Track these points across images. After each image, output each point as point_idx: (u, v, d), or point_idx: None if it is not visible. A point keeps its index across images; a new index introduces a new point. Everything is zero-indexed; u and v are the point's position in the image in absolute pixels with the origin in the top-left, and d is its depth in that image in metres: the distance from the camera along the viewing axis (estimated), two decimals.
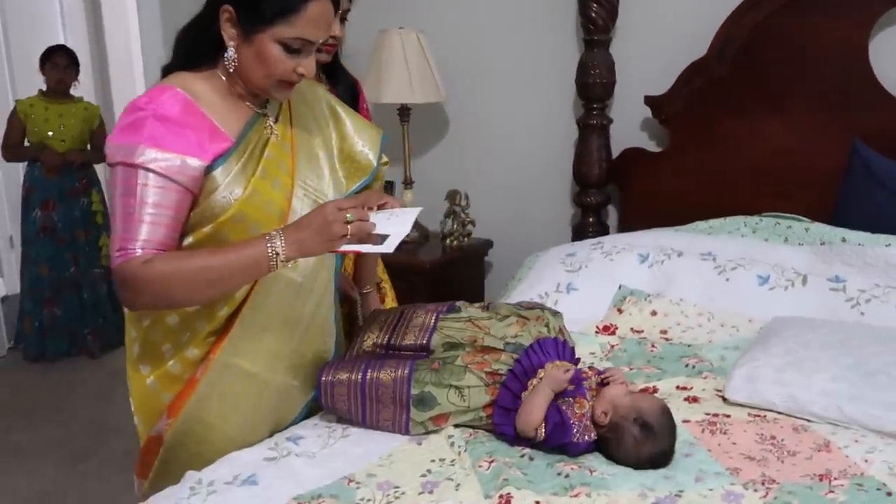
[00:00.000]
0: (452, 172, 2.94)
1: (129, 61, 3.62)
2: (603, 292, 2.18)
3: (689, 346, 1.95)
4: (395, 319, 1.66)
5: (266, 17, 1.32)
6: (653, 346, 1.96)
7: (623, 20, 2.56)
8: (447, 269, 2.75)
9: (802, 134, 2.31)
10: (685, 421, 1.56)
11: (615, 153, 2.65)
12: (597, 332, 2.05)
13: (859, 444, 1.46)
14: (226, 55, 1.38)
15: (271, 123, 1.47)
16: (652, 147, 2.63)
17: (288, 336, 1.51)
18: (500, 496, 1.27)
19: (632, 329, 2.06)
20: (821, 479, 1.34)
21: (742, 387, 1.64)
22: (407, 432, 1.51)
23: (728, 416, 1.59)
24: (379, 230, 1.34)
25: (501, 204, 2.93)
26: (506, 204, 2.92)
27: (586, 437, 1.44)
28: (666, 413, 1.45)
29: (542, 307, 1.74)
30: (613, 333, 2.05)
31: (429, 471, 1.38)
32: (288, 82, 1.39)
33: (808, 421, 1.56)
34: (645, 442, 1.40)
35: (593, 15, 2.50)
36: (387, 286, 2.17)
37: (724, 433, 1.52)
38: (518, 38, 2.77)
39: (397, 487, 1.33)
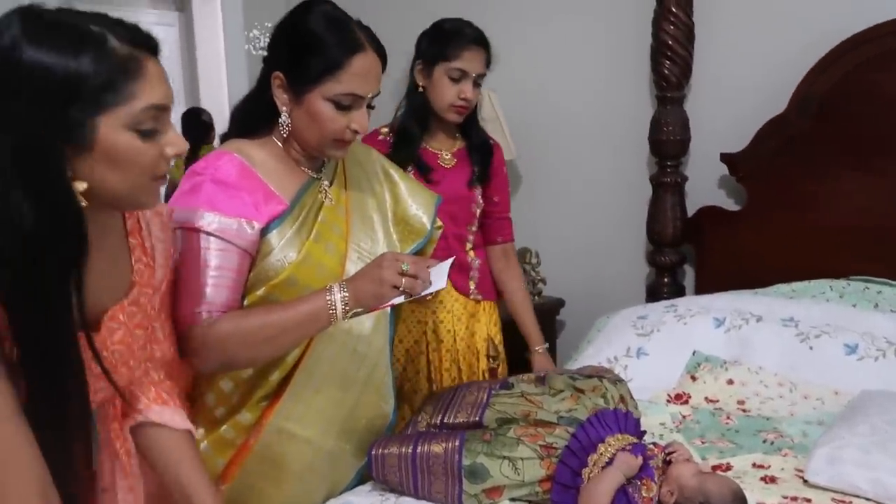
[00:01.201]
0: (524, 230, 2.86)
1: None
2: (675, 358, 2.09)
3: (767, 419, 1.83)
4: (449, 399, 1.63)
5: (313, 76, 1.35)
6: (728, 417, 1.85)
7: (697, 76, 2.51)
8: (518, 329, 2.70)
9: (891, 193, 2.17)
10: (760, 503, 1.45)
11: (691, 211, 2.56)
12: (668, 402, 1.96)
13: None
14: (280, 120, 1.41)
15: (326, 187, 1.48)
16: (729, 205, 2.53)
17: (340, 400, 1.49)
18: None
19: (706, 398, 1.95)
20: None
21: (824, 468, 1.51)
22: None
23: (809, 500, 1.47)
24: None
25: (574, 263, 2.87)
26: (578, 263, 2.87)
27: None
28: (737, 498, 1.35)
29: (602, 376, 1.67)
30: (686, 403, 1.95)
31: None
32: (342, 140, 1.40)
33: None
34: None
35: (666, 72, 2.45)
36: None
37: None
38: (590, 96, 2.75)
39: None
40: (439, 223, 1.69)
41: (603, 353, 2.16)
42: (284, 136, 1.42)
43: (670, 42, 2.42)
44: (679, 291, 2.60)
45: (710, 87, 2.51)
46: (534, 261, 2.80)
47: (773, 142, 2.34)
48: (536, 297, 2.80)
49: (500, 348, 2.17)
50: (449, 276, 1.99)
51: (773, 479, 1.56)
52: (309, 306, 1.33)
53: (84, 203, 0.96)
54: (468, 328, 2.09)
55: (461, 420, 1.55)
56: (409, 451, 1.46)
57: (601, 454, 1.45)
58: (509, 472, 1.44)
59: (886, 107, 2.16)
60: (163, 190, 1.12)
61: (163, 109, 1.00)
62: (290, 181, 1.44)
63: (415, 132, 2.01)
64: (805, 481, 1.53)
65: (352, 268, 1.46)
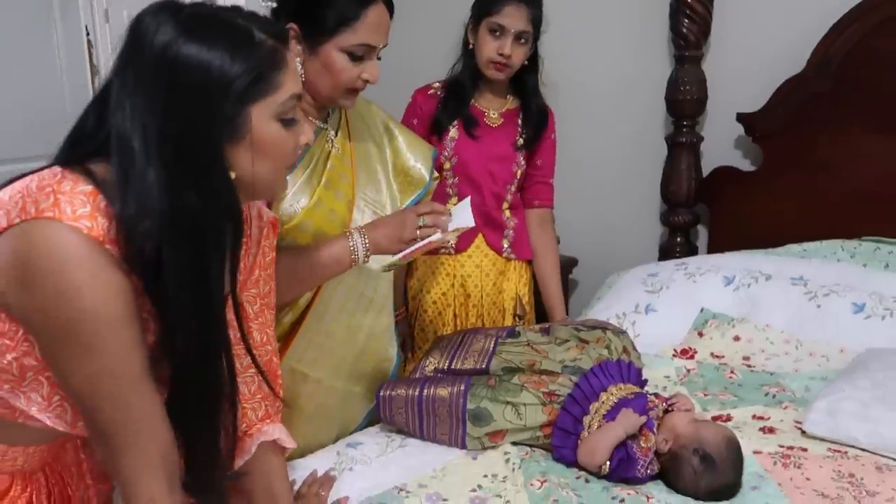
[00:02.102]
0: None
1: None
2: (684, 315, 2.11)
3: (771, 374, 1.86)
4: (456, 344, 1.67)
5: (329, 27, 1.37)
6: (732, 372, 1.88)
7: (716, 35, 2.48)
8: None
9: None
10: (756, 452, 1.49)
11: (706, 172, 2.56)
12: (674, 356, 1.99)
13: None
14: None
15: (332, 137, 1.52)
16: (745, 166, 2.53)
17: (349, 343, 1.55)
18: None
19: (712, 354, 1.98)
20: None
21: (822, 420, 1.54)
22: (464, 447, 1.51)
23: (805, 449, 1.50)
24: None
25: (588, 221, 2.88)
26: (592, 222, 2.88)
27: (649, 471, 1.40)
28: (731, 445, 1.38)
29: (605, 328, 1.71)
30: (692, 357, 1.98)
31: (479, 486, 1.38)
32: (354, 89, 1.44)
33: (894, 460, 1.45)
34: (705, 474, 1.35)
35: (684, 31, 2.44)
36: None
37: (798, 467, 1.43)
38: (608, 55, 2.74)
39: (445, 500, 1.33)
40: (436, 174, 1.74)
41: (612, 308, 2.19)
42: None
43: (689, 0, 2.40)
44: (692, 251, 2.61)
45: (729, 46, 2.49)
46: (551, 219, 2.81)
47: (790, 102, 2.33)
48: None
49: (528, 308, 2.21)
50: (483, 233, 2.06)
51: (771, 430, 1.60)
52: (333, 250, 1.41)
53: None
54: (496, 285, 2.12)
55: (468, 366, 1.60)
56: (416, 393, 1.51)
57: (603, 402, 1.49)
58: (512, 416, 1.49)
59: None
60: None
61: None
62: None
63: (464, 89, 2.04)
64: (803, 432, 1.57)
65: (358, 215, 1.52)
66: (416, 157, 1.68)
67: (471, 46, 2.01)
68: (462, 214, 1.45)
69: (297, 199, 1.43)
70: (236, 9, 1.02)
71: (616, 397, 1.49)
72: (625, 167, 2.78)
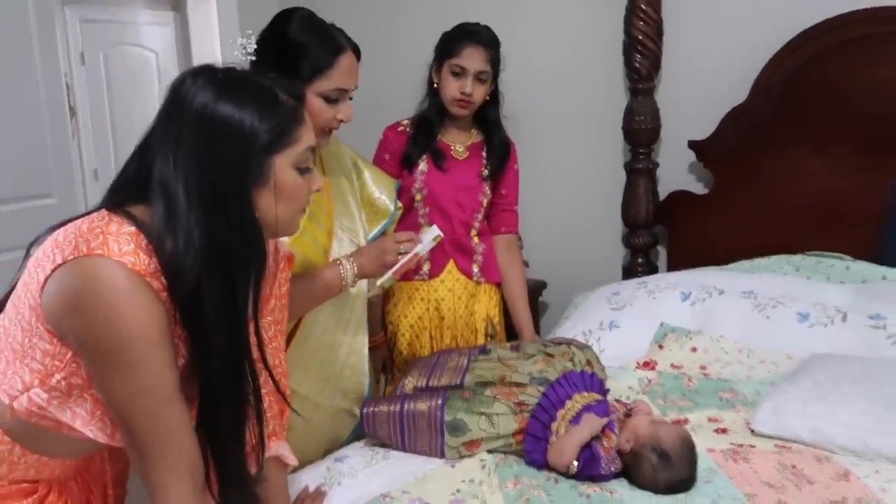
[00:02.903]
0: None
1: None
2: (645, 329, 2.25)
3: (725, 381, 2.01)
4: (433, 364, 1.81)
5: (305, 75, 1.53)
6: (689, 380, 2.02)
7: (667, 68, 2.68)
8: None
9: (844, 174, 2.35)
10: (710, 450, 1.63)
11: (663, 196, 2.73)
12: (637, 368, 2.13)
13: (880, 474, 1.49)
14: None
15: None
16: (698, 189, 2.71)
17: (332, 360, 1.69)
18: None
19: (672, 365, 2.12)
20: None
21: (768, 419, 1.69)
22: (443, 456, 1.63)
23: (753, 446, 1.64)
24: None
25: (555, 246, 3.04)
26: (559, 246, 3.04)
27: (612, 468, 1.53)
28: (686, 443, 1.52)
29: (570, 343, 1.85)
30: (653, 369, 2.12)
31: (458, 490, 1.50)
32: (330, 129, 1.61)
33: (833, 453, 1.60)
34: (662, 469, 1.48)
35: (637, 65, 2.62)
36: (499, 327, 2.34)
37: (747, 461, 1.57)
38: (568, 88, 2.92)
39: (428, 503, 1.45)
40: (399, 204, 1.93)
41: (578, 326, 2.32)
42: None
43: (641, 37, 2.59)
44: (653, 270, 2.78)
45: (679, 78, 2.68)
46: (517, 244, 2.96)
47: (735, 129, 2.51)
48: None
49: (499, 328, 2.34)
50: (454, 258, 2.21)
51: (724, 431, 1.74)
52: (325, 277, 1.58)
53: None
54: (468, 307, 2.26)
55: (444, 383, 1.72)
56: (397, 409, 1.64)
57: (568, 409, 1.62)
58: (486, 426, 1.61)
59: (838, 95, 2.34)
60: None
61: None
62: None
63: (430, 125, 2.19)
64: (753, 431, 1.71)
65: (336, 244, 1.68)
66: (380, 189, 1.85)
67: (435, 85, 2.17)
68: (431, 233, 1.65)
69: None
70: (262, 74, 1.19)
71: (580, 404, 1.63)
72: (588, 193, 2.94)
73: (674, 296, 2.32)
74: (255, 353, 1.22)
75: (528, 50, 2.94)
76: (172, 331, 1.08)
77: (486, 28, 2.17)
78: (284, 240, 1.56)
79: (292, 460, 1.35)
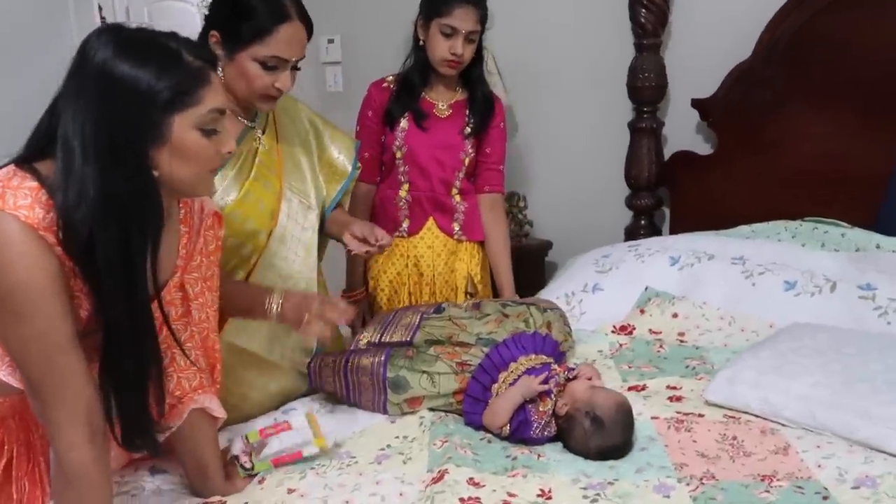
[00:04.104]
0: (515, 175, 3.02)
1: None
2: (629, 293, 2.21)
3: (697, 348, 1.96)
4: (388, 320, 1.82)
5: (244, 38, 1.54)
6: (661, 346, 1.98)
7: (676, 23, 2.57)
8: None
9: (848, 136, 2.23)
10: (654, 417, 1.60)
11: (669, 156, 2.65)
12: (613, 332, 2.09)
13: (821, 449, 1.45)
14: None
15: (259, 135, 1.68)
16: (705, 150, 2.61)
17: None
18: (439, 472, 1.39)
19: (650, 330, 2.08)
20: (762, 480, 1.36)
21: (721, 388, 1.65)
22: (385, 412, 1.65)
23: (702, 415, 1.61)
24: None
25: (560, 206, 2.99)
26: (564, 206, 2.99)
27: (546, 433, 1.53)
28: (621, 409, 1.50)
29: (533, 304, 1.83)
30: (630, 334, 2.08)
31: (388, 445, 1.52)
32: (269, 96, 1.59)
33: (782, 425, 1.55)
34: (594, 434, 1.46)
35: (642, 20, 2.52)
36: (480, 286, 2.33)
37: (689, 431, 1.54)
38: (574, 43, 2.83)
39: (354, 457, 1.48)
40: (359, 165, 1.91)
41: (562, 288, 2.30)
42: None
43: None
44: (656, 233, 2.71)
45: (687, 33, 2.57)
46: (521, 204, 2.94)
47: (739, 87, 2.40)
48: (524, 239, 2.94)
49: (481, 287, 2.34)
50: (433, 217, 2.22)
51: (678, 399, 1.70)
52: (256, 298, 1.53)
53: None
54: (447, 264, 2.26)
55: (396, 339, 1.74)
56: (342, 362, 1.67)
57: (511, 372, 1.62)
58: (427, 384, 1.63)
59: (842, 53, 2.20)
60: None
61: (222, 112, 1.19)
62: None
63: (415, 83, 2.18)
64: (707, 401, 1.67)
65: (285, 205, 1.68)
66: (339, 149, 1.84)
67: (421, 42, 2.14)
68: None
69: (226, 194, 1.60)
70: (173, 34, 1.20)
71: (525, 367, 1.62)
72: (592, 153, 2.88)
73: (662, 260, 2.27)
74: (177, 310, 1.26)
75: (530, 4, 2.87)
76: (70, 283, 1.12)
77: None
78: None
79: (220, 413, 1.39)
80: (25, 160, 1.14)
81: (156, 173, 1.15)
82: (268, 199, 1.66)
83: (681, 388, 1.76)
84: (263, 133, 1.70)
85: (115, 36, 1.13)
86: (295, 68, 1.60)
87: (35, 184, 1.11)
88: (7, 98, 2.69)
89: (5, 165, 1.16)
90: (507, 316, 1.77)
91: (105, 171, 1.10)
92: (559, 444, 1.53)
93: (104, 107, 1.11)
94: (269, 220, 1.66)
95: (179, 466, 1.45)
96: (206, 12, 1.64)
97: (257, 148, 1.67)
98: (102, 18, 5.12)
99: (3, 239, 1.06)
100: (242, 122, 1.65)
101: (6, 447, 1.32)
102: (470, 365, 1.63)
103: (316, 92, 3.45)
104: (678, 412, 1.62)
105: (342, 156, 1.84)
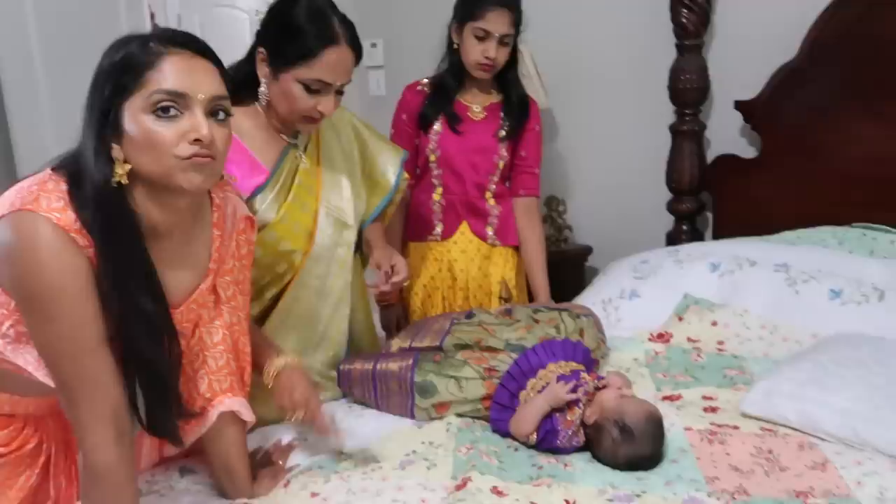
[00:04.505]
0: (554, 179, 2.99)
1: None
2: (667, 300, 2.16)
3: (736, 357, 1.91)
4: (421, 326, 1.82)
5: (289, 59, 1.52)
6: (698, 355, 1.93)
7: (718, 23, 2.51)
8: None
9: None
10: (687, 428, 1.56)
11: (712, 160, 2.59)
12: (649, 339, 2.05)
13: (861, 465, 1.38)
14: (259, 90, 1.60)
15: (301, 154, 1.68)
16: (749, 153, 2.54)
17: (310, 334, 1.72)
18: (462, 479, 1.37)
19: (688, 338, 2.03)
20: (797, 496, 1.31)
21: (758, 400, 1.59)
22: (412, 417, 1.64)
23: (737, 427, 1.56)
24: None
25: (600, 211, 2.95)
26: (604, 211, 2.94)
27: (574, 442, 1.50)
28: (651, 419, 1.46)
29: (562, 310, 1.80)
30: (667, 342, 2.03)
31: (414, 451, 1.51)
32: (310, 118, 1.58)
33: (821, 440, 1.49)
34: (622, 444, 1.43)
35: (683, 20, 2.47)
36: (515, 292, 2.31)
37: (722, 443, 1.50)
38: (614, 45, 2.78)
39: (378, 462, 1.47)
40: (406, 176, 1.88)
41: (599, 294, 2.26)
42: (263, 104, 1.61)
43: None
44: (698, 238, 2.64)
45: (730, 33, 2.51)
46: (560, 208, 2.90)
47: (785, 88, 2.33)
48: (563, 244, 2.91)
49: (515, 291, 2.31)
50: (467, 221, 2.20)
51: (713, 410, 1.65)
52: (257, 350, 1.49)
53: (125, 181, 1.13)
54: (481, 269, 2.25)
55: (426, 344, 1.73)
56: (370, 367, 1.66)
57: (540, 379, 1.59)
58: (454, 389, 1.61)
59: (891, 52, 2.11)
60: None
61: (179, 96, 1.12)
62: (270, 148, 1.64)
63: (449, 86, 2.17)
64: (743, 413, 1.62)
65: (322, 221, 1.68)
66: (383, 161, 1.82)
67: (455, 46, 2.13)
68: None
69: (266, 213, 1.60)
70: (166, 29, 1.21)
71: (554, 374, 1.59)
72: (633, 157, 2.83)
73: (702, 266, 2.21)
74: (209, 314, 1.29)
75: (569, 4, 2.83)
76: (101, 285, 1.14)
77: None
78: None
79: (249, 417, 1.39)
80: (61, 165, 1.16)
81: (128, 167, 1.12)
82: (304, 220, 1.66)
83: (717, 398, 1.71)
84: (305, 151, 1.69)
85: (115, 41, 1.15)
86: (339, 92, 1.58)
87: (68, 188, 1.13)
88: (61, 106, 2.77)
89: (42, 170, 1.18)
90: (537, 322, 1.74)
91: (94, 176, 1.12)
92: (587, 454, 1.50)
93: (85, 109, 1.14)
94: (306, 242, 1.66)
95: (208, 467, 1.47)
96: (258, 27, 1.62)
97: (297, 166, 1.66)
98: (154, 26, 5.26)
99: (36, 241, 1.08)
100: (284, 139, 1.65)
101: (44, 445, 1.36)
102: (497, 371, 1.61)
103: (359, 96, 3.48)
104: (712, 423, 1.57)
105: (386, 167, 1.82)
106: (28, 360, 1.18)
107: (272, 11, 1.60)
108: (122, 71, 1.12)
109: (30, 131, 2.85)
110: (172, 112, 1.12)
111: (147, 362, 1.19)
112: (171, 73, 1.13)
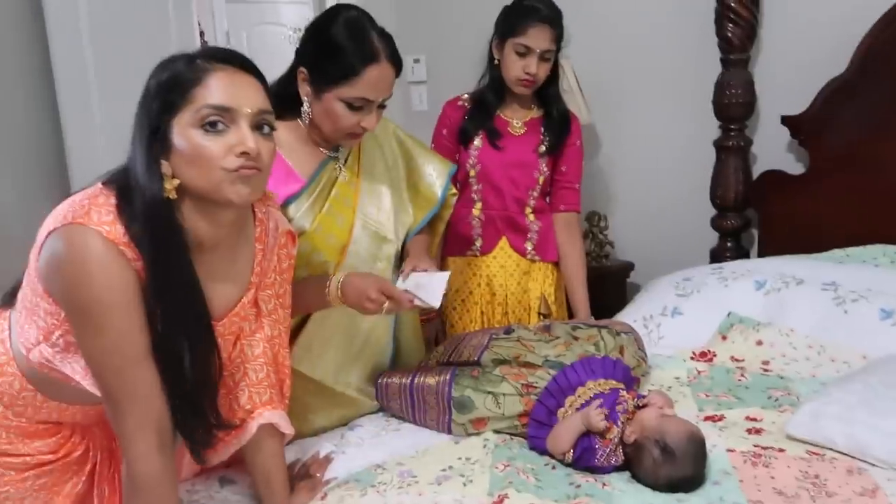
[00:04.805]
0: (595, 194, 2.97)
1: None
2: (710, 318, 2.12)
3: (782, 378, 1.86)
4: (459, 341, 1.81)
5: (331, 78, 1.52)
6: (742, 375, 1.89)
7: (765, 38, 2.47)
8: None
9: None
10: (730, 450, 1.52)
11: (757, 175, 2.54)
12: (691, 358, 2.01)
13: None
14: (302, 109, 1.61)
15: (341, 166, 1.68)
16: (796, 169, 2.49)
17: (347, 348, 1.72)
18: (499, 496, 1.36)
19: (732, 357, 1.99)
20: None
21: (805, 421, 1.55)
22: (449, 432, 1.64)
23: (782, 450, 1.52)
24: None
25: (643, 227, 2.91)
26: (647, 227, 2.91)
27: (612, 461, 1.47)
28: (693, 439, 1.43)
29: (602, 327, 1.78)
30: (710, 361, 2.00)
31: (450, 466, 1.50)
32: (353, 134, 1.59)
33: (871, 465, 1.45)
34: (663, 465, 1.40)
35: (729, 34, 2.44)
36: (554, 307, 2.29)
37: (766, 466, 1.46)
38: (658, 59, 2.76)
39: (415, 476, 1.46)
40: (453, 190, 1.86)
41: (640, 311, 2.23)
42: (306, 122, 1.62)
43: (733, 4, 2.40)
44: (743, 256, 2.59)
45: (778, 47, 2.47)
46: (601, 224, 2.87)
47: (834, 102, 2.28)
48: (604, 260, 2.88)
49: (555, 308, 2.30)
50: (506, 236, 2.17)
51: (758, 431, 1.61)
52: (313, 290, 1.55)
53: (173, 196, 1.16)
54: (520, 284, 2.24)
55: (464, 359, 1.72)
56: (408, 381, 1.66)
57: (578, 396, 1.57)
58: (492, 405, 1.60)
59: None
60: None
61: (226, 110, 1.15)
62: (309, 160, 1.64)
63: (489, 101, 2.18)
64: (789, 435, 1.58)
65: (358, 233, 1.67)
66: (430, 173, 1.81)
67: (496, 61, 2.13)
68: (433, 289, 1.53)
69: (300, 224, 1.60)
70: (209, 47, 1.24)
71: (592, 391, 1.57)
72: (676, 172, 2.79)
73: (747, 284, 2.17)
74: (250, 326, 1.31)
75: (612, 18, 2.82)
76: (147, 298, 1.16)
77: (550, 2, 2.10)
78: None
79: (288, 430, 1.40)
80: (112, 180, 1.19)
81: (176, 182, 1.15)
82: (339, 233, 1.66)
83: (761, 419, 1.67)
84: (345, 162, 1.69)
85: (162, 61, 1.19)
86: (381, 106, 1.58)
87: (118, 202, 1.15)
88: (114, 121, 2.85)
89: (94, 184, 1.21)
90: (576, 339, 1.73)
91: (144, 191, 1.14)
92: (626, 473, 1.48)
93: (136, 127, 1.17)
94: (339, 255, 1.66)
95: (247, 478, 1.48)
96: (297, 46, 1.63)
97: (336, 178, 1.66)
98: (204, 43, 5.39)
99: (85, 253, 1.11)
100: (324, 152, 1.66)
101: (91, 453, 1.39)
102: (536, 387, 1.59)
103: (401, 111, 3.50)
104: (756, 445, 1.53)
105: (433, 179, 1.80)
106: (76, 370, 1.20)
107: (310, 30, 1.61)
108: (170, 88, 1.15)
109: (83, 146, 2.93)
110: (220, 126, 1.15)
111: (188, 374, 1.20)
112: (218, 88, 1.15)
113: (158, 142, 1.15)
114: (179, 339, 1.18)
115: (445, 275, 1.56)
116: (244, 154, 1.15)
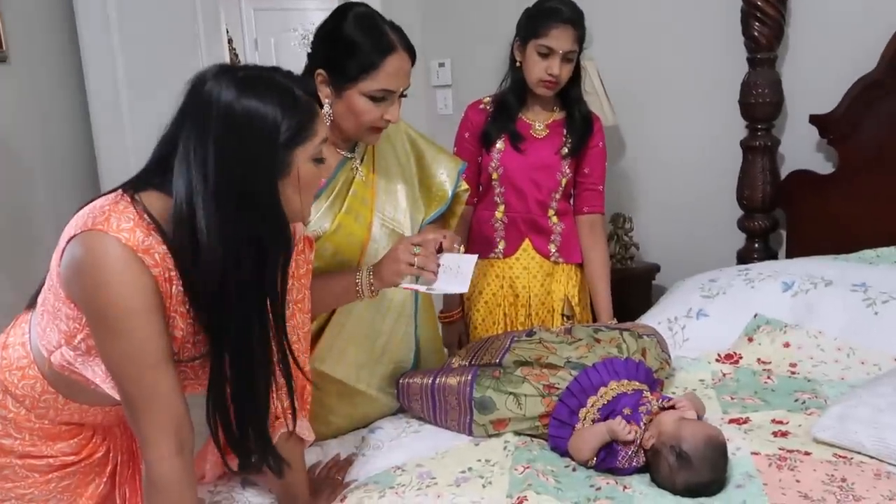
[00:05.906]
0: (621, 195, 2.95)
1: None
2: (736, 320, 2.10)
3: (809, 381, 1.83)
4: (482, 343, 1.81)
5: (351, 75, 1.53)
6: (768, 377, 1.86)
7: (792, 37, 2.43)
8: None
9: None
10: (754, 453, 1.50)
11: (785, 176, 2.50)
12: (717, 360, 1.99)
13: None
14: (323, 111, 1.61)
15: (357, 165, 1.68)
16: (825, 169, 2.45)
17: (369, 348, 1.72)
18: (518, 498, 1.35)
19: (758, 360, 1.96)
20: None
21: (831, 425, 1.52)
22: (470, 433, 1.64)
23: (809, 453, 1.49)
24: (441, 280, 1.50)
25: (668, 228, 2.89)
26: (673, 228, 2.88)
27: (633, 463, 1.46)
28: (711, 443, 1.41)
29: (624, 329, 1.76)
30: (736, 363, 1.97)
31: (470, 468, 1.50)
32: (377, 128, 1.60)
33: None
34: (680, 471, 1.38)
35: (755, 34, 2.40)
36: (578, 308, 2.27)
37: (792, 470, 1.43)
38: (683, 59, 2.73)
39: (434, 478, 1.46)
40: (464, 186, 1.86)
41: (665, 313, 2.21)
42: (327, 123, 1.62)
43: (760, 3, 2.37)
44: (771, 257, 2.56)
45: (806, 45, 2.43)
46: (626, 226, 2.85)
47: (863, 101, 2.24)
48: (629, 262, 2.86)
49: (578, 309, 2.28)
50: (529, 238, 2.16)
51: (784, 434, 1.59)
52: (342, 284, 1.56)
53: None
54: (544, 286, 2.23)
55: (486, 361, 1.72)
56: (429, 381, 1.67)
57: (601, 396, 1.56)
58: (513, 406, 1.60)
59: None
60: None
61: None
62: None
63: (511, 104, 2.17)
64: (815, 438, 1.55)
65: (376, 232, 1.68)
66: (440, 171, 1.81)
67: (518, 64, 2.13)
68: (462, 273, 1.50)
69: (320, 224, 1.61)
70: (276, 69, 1.25)
71: (615, 392, 1.56)
72: (703, 173, 2.76)
73: (774, 285, 2.14)
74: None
75: (636, 18, 2.80)
76: (166, 304, 1.18)
77: (571, 3, 2.10)
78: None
79: (308, 436, 1.41)
80: (131, 187, 1.20)
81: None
82: (358, 231, 1.66)
83: (787, 422, 1.64)
84: (361, 162, 1.70)
85: (234, 76, 1.17)
86: (402, 96, 1.59)
87: (139, 209, 1.16)
88: (143, 132, 2.89)
89: (115, 190, 1.22)
90: (598, 341, 1.71)
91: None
92: (647, 476, 1.46)
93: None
94: (358, 253, 1.67)
95: (269, 480, 1.49)
96: (309, 50, 1.64)
97: (353, 178, 1.67)
98: (232, 49, 5.46)
99: (104, 259, 1.12)
100: (340, 153, 1.67)
101: (112, 454, 1.41)
102: (557, 388, 1.58)
103: (426, 115, 3.51)
104: (782, 448, 1.51)
105: (443, 177, 1.81)
106: (96, 373, 1.22)
107: (322, 32, 1.61)
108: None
109: (113, 150, 2.99)
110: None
111: (242, 386, 1.22)
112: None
113: (279, 168, 1.18)
114: (248, 354, 1.20)
115: (473, 258, 1.53)
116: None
